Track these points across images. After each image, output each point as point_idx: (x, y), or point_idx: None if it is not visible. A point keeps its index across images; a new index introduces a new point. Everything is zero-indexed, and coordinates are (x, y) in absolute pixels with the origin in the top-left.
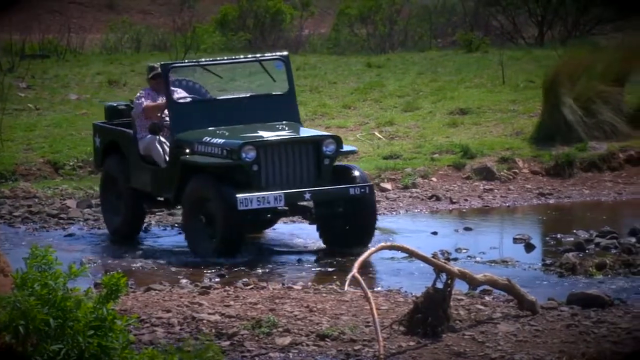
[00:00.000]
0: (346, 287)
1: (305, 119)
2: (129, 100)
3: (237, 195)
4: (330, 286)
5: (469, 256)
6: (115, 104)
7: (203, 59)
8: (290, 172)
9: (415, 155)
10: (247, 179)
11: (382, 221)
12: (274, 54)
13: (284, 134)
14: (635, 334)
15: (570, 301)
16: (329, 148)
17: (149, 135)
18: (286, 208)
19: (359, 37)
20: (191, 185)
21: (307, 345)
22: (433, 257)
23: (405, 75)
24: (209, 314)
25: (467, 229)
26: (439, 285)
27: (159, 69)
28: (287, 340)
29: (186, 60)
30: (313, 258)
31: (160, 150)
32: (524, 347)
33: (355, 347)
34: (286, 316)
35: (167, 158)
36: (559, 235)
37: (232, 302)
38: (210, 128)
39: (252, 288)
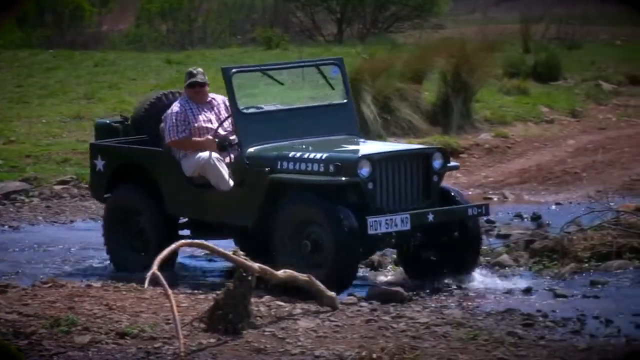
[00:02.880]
0: (146, 285)
1: (104, 117)
2: (121, 116)
3: (368, 218)
4: (130, 284)
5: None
6: (108, 121)
7: (263, 64)
8: (402, 190)
9: None
10: (358, 199)
11: None
12: (328, 58)
13: (389, 148)
14: (433, 328)
15: (370, 297)
16: (436, 162)
17: (202, 154)
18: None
19: (159, 33)
20: (291, 208)
21: (107, 343)
22: (234, 254)
23: (206, 72)
24: (7, 312)
25: None
26: (240, 282)
27: (199, 77)
28: (86, 338)
29: (247, 65)
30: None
31: (222, 168)
32: (324, 342)
33: (156, 345)
34: (85, 314)
35: (233, 178)
36: None
37: (30, 301)
38: (282, 142)
39: (50, 286)
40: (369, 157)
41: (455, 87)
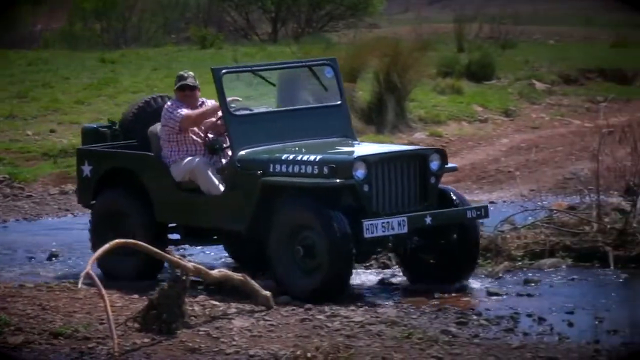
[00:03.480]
0: (80, 285)
1: (37, 115)
2: (108, 121)
3: (363, 221)
4: (64, 284)
5: (203, 252)
6: (95, 126)
7: (254, 64)
8: (399, 192)
9: None
10: (354, 202)
11: None
12: (321, 58)
13: (385, 149)
14: (367, 327)
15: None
16: (433, 163)
17: (195, 158)
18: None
19: (93, 32)
20: (284, 213)
21: (40, 343)
22: (168, 253)
23: (140, 71)
24: None
25: None
26: (174, 282)
27: (189, 80)
28: (19, 339)
29: (237, 65)
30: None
31: (212, 174)
32: (259, 342)
33: (89, 345)
34: (18, 315)
35: (220, 183)
36: None
37: None
38: (275, 145)
39: None
40: (364, 159)
41: (389, 86)
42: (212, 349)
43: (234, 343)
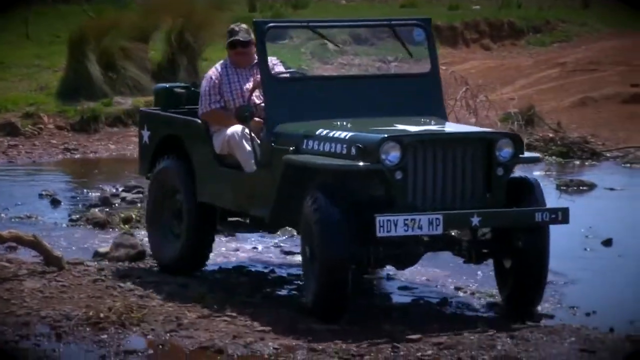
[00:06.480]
0: None
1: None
2: (188, 81)
3: (377, 216)
4: None
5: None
6: (167, 86)
7: (311, 20)
8: (448, 184)
9: None
10: (384, 192)
11: None
12: (411, 17)
13: (434, 128)
14: (161, 286)
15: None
16: (503, 151)
17: (232, 128)
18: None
19: None
20: (303, 202)
21: None
22: None
23: None
24: None
25: None
26: None
27: (241, 35)
28: None
29: (288, 19)
30: None
31: (248, 146)
32: (50, 303)
33: None
34: None
35: (258, 159)
36: (85, 191)
37: None
38: (323, 119)
39: None
40: (398, 139)
41: (182, 46)
42: (3, 310)
43: (25, 304)
